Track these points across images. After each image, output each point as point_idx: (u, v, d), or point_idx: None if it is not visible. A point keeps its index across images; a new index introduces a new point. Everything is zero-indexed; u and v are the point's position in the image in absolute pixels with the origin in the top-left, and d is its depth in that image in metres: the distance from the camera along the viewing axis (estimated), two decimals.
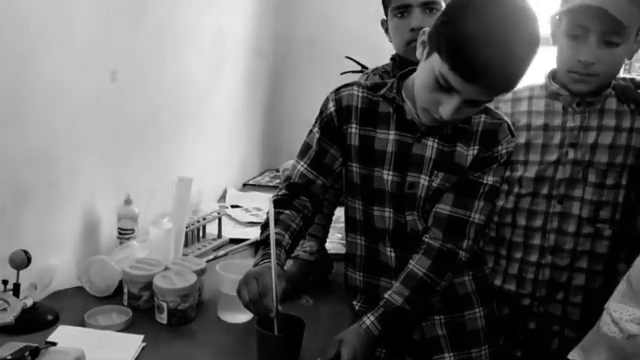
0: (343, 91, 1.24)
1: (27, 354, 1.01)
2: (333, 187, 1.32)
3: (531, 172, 1.43)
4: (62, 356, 1.05)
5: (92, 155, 1.55)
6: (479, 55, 1.00)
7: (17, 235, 1.32)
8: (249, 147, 2.77)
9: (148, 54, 1.77)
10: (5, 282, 1.20)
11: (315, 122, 1.26)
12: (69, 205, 1.49)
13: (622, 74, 1.62)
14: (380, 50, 1.75)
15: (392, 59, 1.61)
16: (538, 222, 1.45)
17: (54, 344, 1.09)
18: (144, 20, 1.73)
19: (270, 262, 1.08)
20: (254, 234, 1.90)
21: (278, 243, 1.14)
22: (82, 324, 1.27)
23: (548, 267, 1.44)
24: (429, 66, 1.08)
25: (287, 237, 1.18)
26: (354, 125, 1.22)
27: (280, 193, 1.26)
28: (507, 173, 1.41)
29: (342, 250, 1.68)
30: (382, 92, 1.22)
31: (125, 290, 1.37)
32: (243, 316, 1.32)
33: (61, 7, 1.38)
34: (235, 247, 1.84)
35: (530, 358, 1.50)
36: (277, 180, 2.70)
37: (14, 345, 1.04)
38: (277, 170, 2.83)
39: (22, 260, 1.21)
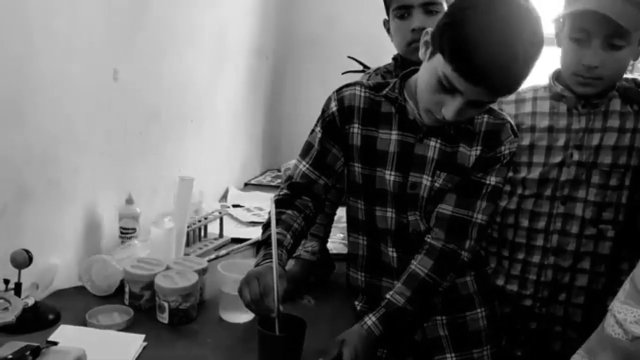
0: (345, 91, 1.24)
1: (28, 353, 1.01)
2: (335, 187, 1.31)
3: (535, 173, 1.43)
4: (63, 356, 1.05)
5: (93, 155, 1.55)
6: (483, 57, 0.99)
7: (19, 234, 1.32)
8: (251, 147, 2.77)
9: (149, 53, 1.77)
10: (6, 282, 1.20)
11: (318, 121, 1.26)
12: (70, 204, 1.49)
13: (625, 74, 1.61)
14: (382, 50, 1.75)
15: (394, 58, 1.61)
16: (541, 224, 1.44)
17: (55, 343, 1.09)
18: (145, 19, 1.73)
19: (271, 262, 1.08)
20: (255, 233, 1.90)
21: (280, 243, 1.13)
22: (84, 323, 1.27)
23: (551, 268, 1.44)
24: (432, 67, 1.08)
25: (288, 237, 1.18)
26: (356, 125, 1.22)
27: (281, 193, 1.26)
28: (510, 174, 1.40)
29: (344, 250, 1.68)
30: (384, 92, 1.21)
31: (127, 289, 1.37)
32: (244, 316, 1.32)
33: (62, 6, 1.38)
34: (236, 246, 1.84)
35: (532, 359, 1.50)
36: (279, 180, 2.70)
37: (15, 344, 1.04)
38: (279, 170, 2.83)
39: (23, 260, 1.21)
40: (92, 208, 1.58)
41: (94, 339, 1.20)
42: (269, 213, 1.12)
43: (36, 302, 1.26)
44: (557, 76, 1.44)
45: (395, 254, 1.25)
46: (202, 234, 1.85)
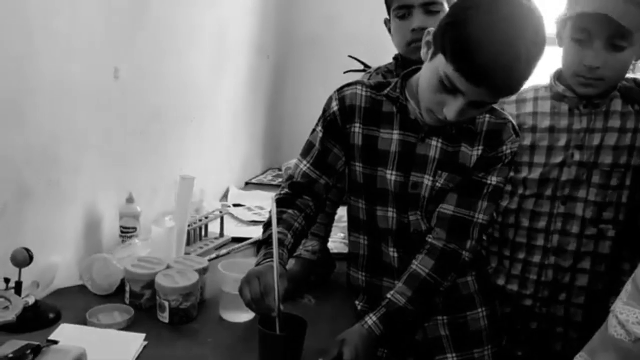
0: (347, 90, 1.23)
1: (28, 352, 1.01)
2: (336, 187, 1.31)
3: (536, 173, 1.43)
4: (64, 355, 1.05)
5: (94, 154, 1.55)
6: (485, 57, 0.98)
7: (19, 233, 1.32)
8: (252, 146, 2.77)
9: (150, 52, 1.77)
10: (7, 280, 1.20)
11: (319, 121, 1.26)
12: (70, 203, 1.49)
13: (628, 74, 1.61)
14: (383, 50, 1.75)
15: (395, 58, 1.60)
16: (542, 224, 1.44)
17: (55, 342, 1.08)
18: (145, 18, 1.72)
19: (272, 261, 1.08)
20: (256, 233, 1.89)
21: (280, 242, 1.13)
22: (84, 322, 1.27)
23: (551, 268, 1.44)
24: (434, 67, 1.07)
25: (289, 236, 1.17)
26: (357, 125, 1.22)
27: (282, 192, 1.26)
28: (512, 174, 1.40)
29: (345, 250, 1.68)
30: (385, 91, 1.21)
31: (127, 288, 1.37)
32: (245, 315, 1.32)
33: (62, 5, 1.38)
34: (237, 246, 1.84)
35: (533, 359, 1.49)
36: (280, 179, 2.70)
37: (16, 343, 1.04)
38: (280, 169, 2.83)
39: (24, 259, 1.21)
40: (93, 207, 1.58)
41: (95, 338, 1.20)
42: (270, 212, 1.12)
43: (37, 301, 1.26)
44: (558, 76, 1.43)
45: (396, 254, 1.25)
46: (203, 233, 1.85)
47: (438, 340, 1.28)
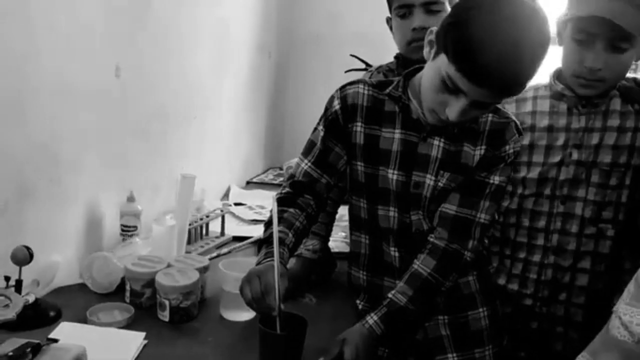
0: (349, 89, 1.23)
1: (28, 350, 1.01)
2: (337, 186, 1.31)
3: (534, 173, 1.43)
4: (64, 353, 1.05)
5: (95, 152, 1.55)
6: (487, 58, 0.97)
7: (20, 231, 1.32)
8: (253, 145, 2.77)
9: (152, 50, 1.77)
10: (7, 278, 1.20)
11: (320, 119, 1.25)
12: (71, 201, 1.49)
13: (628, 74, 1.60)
14: (385, 48, 1.74)
15: (396, 57, 1.60)
16: (541, 223, 1.44)
17: (55, 340, 1.08)
18: (147, 16, 1.72)
19: (273, 260, 1.08)
20: (257, 231, 1.89)
21: (281, 241, 1.13)
22: (84, 320, 1.27)
23: (551, 267, 1.44)
24: (436, 67, 1.06)
25: (290, 235, 1.17)
26: (359, 124, 1.22)
27: (284, 191, 1.25)
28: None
29: (345, 249, 1.68)
30: (387, 90, 1.20)
31: (128, 287, 1.37)
32: (245, 314, 1.31)
33: (63, 4, 1.37)
34: (238, 245, 1.84)
35: (533, 359, 1.49)
36: (281, 178, 2.70)
37: (16, 341, 1.03)
38: (281, 168, 2.83)
39: (24, 257, 1.21)
40: (94, 205, 1.57)
41: (95, 336, 1.19)
42: (271, 211, 1.12)
43: (37, 299, 1.26)
44: (558, 75, 1.43)
45: (397, 254, 1.24)
46: (204, 232, 1.85)
47: (439, 339, 1.28)
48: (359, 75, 1.72)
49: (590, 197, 1.40)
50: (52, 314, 1.27)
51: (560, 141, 1.41)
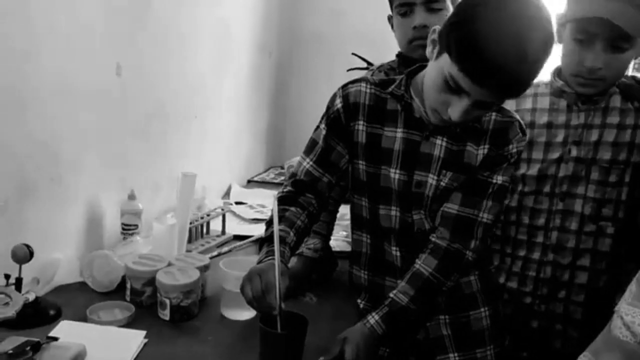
0: (351, 87, 1.22)
1: (28, 348, 1.01)
2: (339, 185, 1.30)
3: (534, 170, 1.43)
4: (64, 351, 1.05)
5: (95, 151, 1.55)
6: (490, 58, 0.97)
7: (20, 229, 1.32)
8: (254, 144, 2.77)
9: (152, 48, 1.76)
10: (7, 276, 1.20)
11: (322, 118, 1.25)
12: (72, 200, 1.49)
13: (630, 71, 1.60)
14: (386, 47, 1.74)
15: (398, 55, 1.59)
16: (541, 220, 1.45)
17: (55, 339, 1.08)
18: (147, 15, 1.72)
19: (274, 259, 1.07)
20: (258, 230, 1.89)
21: (282, 240, 1.13)
22: (84, 319, 1.26)
23: (550, 265, 1.44)
24: (439, 66, 1.06)
25: (291, 234, 1.17)
26: (361, 123, 1.21)
27: (285, 190, 1.25)
28: None
29: (347, 248, 1.68)
30: (390, 89, 1.20)
31: (128, 285, 1.36)
32: (246, 313, 1.31)
33: (64, 3, 1.37)
34: (239, 243, 1.84)
35: (534, 358, 1.49)
36: (282, 177, 2.70)
37: (16, 339, 1.03)
38: (282, 167, 2.83)
39: (24, 255, 1.20)
40: (94, 204, 1.57)
41: (95, 335, 1.19)
42: (272, 210, 1.11)
43: (37, 298, 1.26)
44: (558, 72, 1.43)
45: (398, 253, 1.24)
46: (205, 230, 1.85)
47: (440, 339, 1.27)
48: (361, 74, 1.72)
49: (589, 195, 1.40)
50: (52, 312, 1.27)
51: (560, 138, 1.41)
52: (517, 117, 1.18)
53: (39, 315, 1.24)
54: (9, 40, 1.23)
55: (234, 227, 1.96)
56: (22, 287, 1.21)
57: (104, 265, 1.41)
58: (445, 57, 1.03)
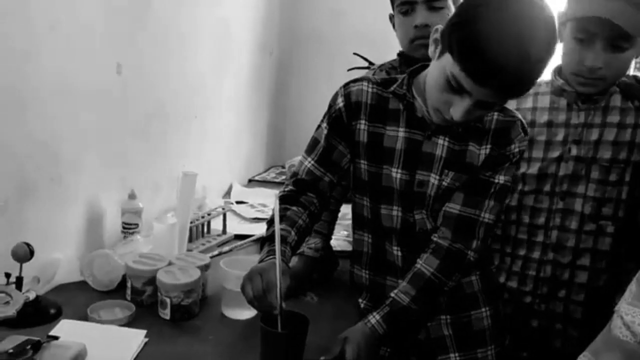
0: (352, 86, 1.22)
1: (28, 347, 1.01)
2: (340, 184, 1.30)
3: (534, 168, 1.43)
4: (64, 350, 1.05)
5: (96, 149, 1.55)
6: (492, 58, 0.96)
7: (21, 229, 1.31)
8: (255, 143, 2.76)
9: (153, 47, 1.76)
10: (8, 275, 1.19)
11: (324, 117, 1.24)
12: (72, 199, 1.48)
13: (632, 71, 1.60)
14: (387, 46, 1.74)
15: (399, 54, 1.59)
16: (541, 219, 1.44)
17: (56, 338, 1.08)
18: (148, 15, 1.72)
19: (275, 258, 1.07)
20: (258, 230, 1.89)
21: (284, 239, 1.12)
22: (85, 318, 1.26)
23: (550, 264, 1.44)
24: (441, 66, 1.05)
25: (293, 233, 1.17)
26: (362, 122, 1.21)
27: (287, 189, 1.25)
28: None
29: (348, 248, 1.68)
30: (392, 88, 1.19)
31: (129, 285, 1.36)
32: (247, 312, 1.31)
33: (64, 2, 1.37)
34: (239, 243, 1.83)
35: (535, 358, 1.49)
36: (283, 177, 2.70)
37: (16, 338, 1.03)
38: (283, 166, 2.83)
39: (24, 254, 1.20)
40: (95, 203, 1.57)
41: (95, 334, 1.19)
42: (273, 209, 1.11)
43: (37, 297, 1.26)
44: (559, 71, 1.43)
45: (399, 253, 1.23)
46: (205, 230, 1.85)
47: (441, 339, 1.27)
48: (361, 73, 1.71)
49: (590, 194, 1.40)
50: (52, 311, 1.26)
51: (560, 137, 1.41)
52: (519, 116, 1.18)
53: (40, 314, 1.24)
54: (9, 40, 1.23)
55: (235, 227, 1.96)
56: (22, 286, 1.21)
57: (105, 264, 1.41)
58: (447, 56, 1.03)
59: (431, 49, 1.10)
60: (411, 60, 1.43)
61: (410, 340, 1.27)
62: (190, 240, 1.72)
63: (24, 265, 1.21)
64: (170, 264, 1.39)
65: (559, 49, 1.37)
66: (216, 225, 1.88)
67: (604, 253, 1.42)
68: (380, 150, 1.20)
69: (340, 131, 1.22)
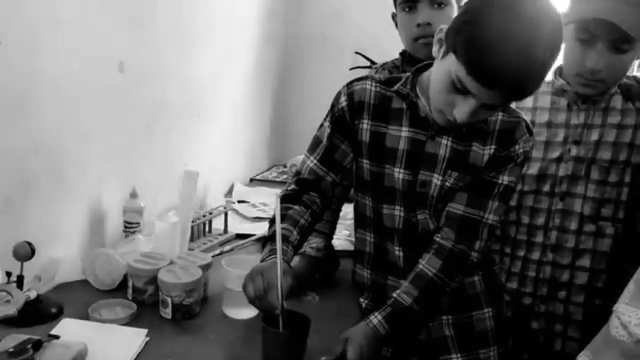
0: (355, 85, 1.21)
1: (29, 346, 1.01)
2: (342, 184, 1.30)
3: (534, 169, 1.42)
4: (65, 349, 1.05)
5: (98, 148, 1.54)
6: (498, 60, 0.95)
7: (22, 227, 1.31)
8: (257, 142, 2.76)
9: (156, 46, 1.76)
10: (9, 274, 1.19)
11: (327, 116, 1.23)
12: (74, 197, 1.48)
13: (635, 71, 1.60)
14: (389, 45, 1.73)
15: (401, 53, 1.59)
16: (540, 220, 1.44)
17: (57, 337, 1.08)
18: (152, 11, 1.72)
19: (276, 257, 1.07)
20: (260, 229, 1.89)
21: (285, 239, 1.12)
22: (86, 317, 1.26)
23: (549, 265, 1.44)
24: (445, 66, 1.04)
25: (295, 232, 1.16)
26: (365, 121, 1.20)
27: (289, 188, 1.24)
28: None
29: (349, 247, 1.68)
30: (395, 87, 1.18)
31: (130, 284, 1.36)
32: (248, 312, 1.31)
33: None
34: (241, 242, 1.83)
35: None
36: (285, 176, 2.70)
37: (17, 337, 1.03)
38: (285, 166, 2.82)
39: (25, 252, 1.20)
40: (97, 201, 1.57)
41: (96, 333, 1.19)
42: (275, 208, 1.11)
43: (38, 295, 1.26)
44: (559, 71, 1.43)
45: (401, 253, 1.23)
46: (207, 229, 1.84)
47: (442, 340, 1.26)
48: (364, 72, 1.71)
49: (589, 194, 1.39)
50: (53, 310, 1.26)
51: (560, 137, 1.41)
52: (524, 116, 1.17)
53: (41, 313, 1.24)
54: (13, 38, 1.23)
55: (236, 226, 1.96)
56: (23, 285, 1.21)
57: (106, 263, 1.41)
58: (451, 57, 1.02)
59: (435, 48, 1.09)
60: (414, 60, 1.43)
61: (412, 340, 1.26)
62: (192, 239, 1.72)
63: (25, 264, 1.21)
64: (171, 263, 1.39)
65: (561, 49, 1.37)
66: (218, 224, 1.88)
67: (603, 254, 1.41)
68: (383, 150, 1.19)
69: (343, 130, 1.21)
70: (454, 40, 1.01)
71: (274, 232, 1.11)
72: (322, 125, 1.24)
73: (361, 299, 1.33)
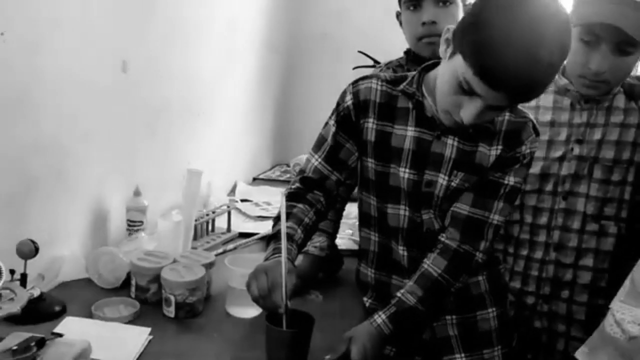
0: (361, 84, 1.20)
1: (32, 344, 1.01)
2: (346, 183, 1.29)
3: (536, 168, 1.42)
4: (68, 347, 1.04)
5: (101, 146, 1.54)
6: (503, 62, 0.94)
7: (26, 225, 1.31)
8: (260, 141, 2.76)
9: (159, 45, 1.76)
10: (12, 272, 1.19)
11: (332, 114, 1.23)
12: (77, 196, 1.48)
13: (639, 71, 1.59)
14: (392, 44, 1.73)
15: (406, 52, 1.58)
16: (543, 219, 1.44)
17: (60, 335, 1.08)
18: (155, 11, 1.72)
19: (280, 256, 1.06)
20: (263, 228, 1.89)
21: (290, 237, 1.11)
22: (89, 315, 1.26)
23: (552, 264, 1.44)
24: (452, 67, 1.03)
25: (299, 231, 1.16)
26: (371, 120, 1.19)
27: (293, 186, 1.24)
28: None
29: (353, 246, 1.67)
30: (401, 86, 1.17)
31: (133, 282, 1.36)
32: (251, 311, 1.30)
33: None
34: (244, 241, 1.83)
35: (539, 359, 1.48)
36: (288, 175, 2.70)
37: (20, 335, 1.03)
38: (288, 165, 2.82)
39: (29, 250, 1.20)
40: (100, 200, 1.57)
41: (100, 331, 1.19)
42: (280, 207, 1.10)
43: (42, 294, 1.26)
44: (563, 70, 1.42)
45: (405, 253, 1.22)
46: (210, 227, 1.84)
47: (446, 340, 1.26)
48: (367, 72, 1.70)
49: (592, 193, 1.39)
50: (57, 308, 1.26)
51: (563, 136, 1.41)
52: (531, 117, 1.16)
53: (44, 311, 1.24)
54: (17, 36, 1.23)
55: (240, 225, 1.95)
56: (27, 283, 1.21)
57: (109, 261, 1.41)
58: (459, 58, 1.01)
59: (442, 48, 1.08)
60: (418, 58, 1.42)
61: (416, 340, 1.26)
62: (195, 238, 1.72)
63: (29, 262, 1.21)
64: (174, 261, 1.38)
65: None
66: (221, 223, 1.88)
67: (606, 253, 1.41)
68: (388, 149, 1.19)
69: (348, 129, 1.21)
70: (462, 41, 1.01)
71: (278, 230, 1.11)
72: (327, 123, 1.23)
73: (365, 298, 1.32)
